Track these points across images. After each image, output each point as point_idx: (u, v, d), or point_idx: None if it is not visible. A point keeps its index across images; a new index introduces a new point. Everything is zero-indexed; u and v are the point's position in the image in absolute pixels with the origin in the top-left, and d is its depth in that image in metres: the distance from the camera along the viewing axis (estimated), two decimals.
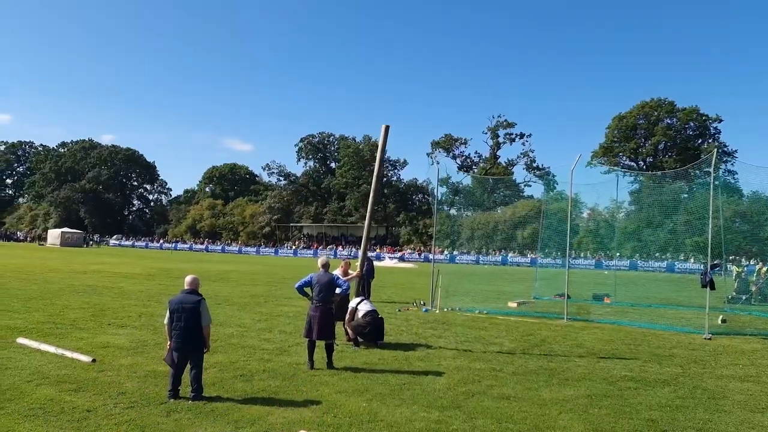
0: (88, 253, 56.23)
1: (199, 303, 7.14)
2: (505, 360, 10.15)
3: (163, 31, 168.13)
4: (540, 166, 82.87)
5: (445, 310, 16.77)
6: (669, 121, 73.16)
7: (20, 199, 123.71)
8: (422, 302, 18.03)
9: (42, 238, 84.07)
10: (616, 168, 73.29)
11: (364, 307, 11.18)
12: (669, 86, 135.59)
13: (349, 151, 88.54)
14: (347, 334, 11.40)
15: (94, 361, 8.76)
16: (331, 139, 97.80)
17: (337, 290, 9.55)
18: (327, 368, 8.92)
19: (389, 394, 7.63)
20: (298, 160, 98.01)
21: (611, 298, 21.44)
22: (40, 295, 17.16)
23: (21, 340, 10.10)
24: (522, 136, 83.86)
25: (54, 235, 76.87)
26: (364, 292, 18.97)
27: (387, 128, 11.55)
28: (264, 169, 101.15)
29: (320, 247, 76.56)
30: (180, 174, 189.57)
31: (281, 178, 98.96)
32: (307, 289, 9.49)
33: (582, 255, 55.03)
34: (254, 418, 6.45)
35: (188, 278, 7.48)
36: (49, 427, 5.94)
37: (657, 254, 51.34)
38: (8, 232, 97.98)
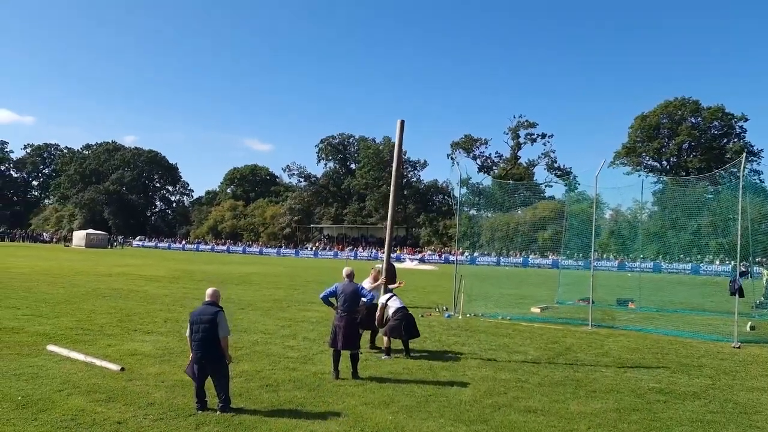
0: (112, 254, 57.06)
1: (216, 314, 7.14)
2: (530, 370, 10.07)
3: (182, 32, 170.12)
4: (561, 167, 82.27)
5: (468, 315, 16.70)
6: (693, 121, 72.04)
7: (46, 201, 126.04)
8: (444, 307, 17.97)
9: (67, 240, 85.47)
10: (638, 168, 72.52)
11: (393, 304, 11.04)
12: (693, 85, 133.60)
13: (369, 152, 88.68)
14: (371, 342, 11.42)
15: (122, 369, 8.87)
16: (351, 140, 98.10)
17: (362, 300, 9.55)
18: (352, 378, 8.94)
19: (415, 406, 7.61)
20: (318, 161, 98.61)
21: (636, 303, 21.17)
22: (67, 300, 17.44)
23: (51, 348, 10.26)
24: (543, 136, 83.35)
25: (79, 236, 78.15)
26: None
27: (402, 123, 11.53)
28: (284, 171, 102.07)
29: (340, 248, 76.76)
30: (201, 175, 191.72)
31: (301, 180, 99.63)
32: (332, 299, 9.50)
33: (605, 257, 54.46)
34: (281, 430, 6.49)
35: (209, 291, 7.53)
36: None
37: (681, 256, 50.58)
38: (34, 234, 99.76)
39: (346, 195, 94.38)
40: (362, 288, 9.66)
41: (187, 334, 7.26)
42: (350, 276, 9.63)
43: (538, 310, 18.73)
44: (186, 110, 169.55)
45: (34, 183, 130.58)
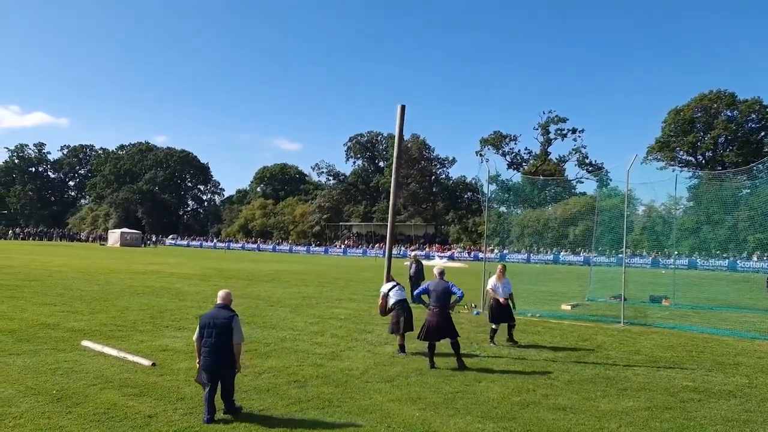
0: (146, 253, 58.17)
1: (231, 319, 6.80)
2: (560, 367, 9.94)
3: (210, 33, 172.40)
4: (593, 162, 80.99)
5: None
6: (729, 114, 70.13)
7: (82, 201, 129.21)
8: (473, 305, 17.85)
9: (103, 239, 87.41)
10: (672, 163, 70.97)
11: (394, 296, 10.94)
12: (729, 78, 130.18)
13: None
14: (509, 335, 12.07)
15: (153, 364, 9.04)
16: (379, 138, 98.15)
17: (455, 296, 9.90)
18: (459, 369, 9.36)
19: (442, 403, 7.57)
20: (347, 159, 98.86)
21: (670, 300, 20.72)
22: (102, 297, 17.83)
23: (85, 343, 10.51)
24: (574, 131, 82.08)
25: (114, 235, 79.87)
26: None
27: (403, 108, 11.58)
28: (313, 169, 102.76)
29: (369, 246, 76.93)
30: (231, 174, 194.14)
31: (330, 178, 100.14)
32: (424, 297, 10.15)
33: (638, 253, 53.45)
34: (309, 426, 6.53)
35: (221, 293, 7.18)
36: None
37: (717, 252, 49.36)
38: (71, 233, 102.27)
39: (374, 193, 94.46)
40: (453, 285, 10.01)
41: (196, 337, 6.90)
42: (441, 274, 10.19)
43: (569, 308, 18.48)
44: (215, 111, 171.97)
45: (71, 183, 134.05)
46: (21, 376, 8.23)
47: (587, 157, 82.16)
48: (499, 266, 12.78)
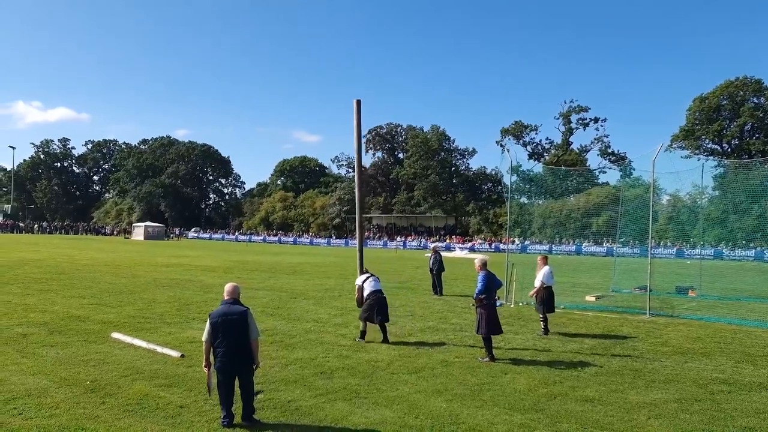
0: (169, 246, 58.91)
1: (245, 314, 6.34)
2: (586, 359, 9.88)
3: (228, 24, 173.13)
4: (615, 152, 79.96)
5: (520, 304, 16.50)
6: (756, 101, 68.67)
7: (106, 195, 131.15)
8: (496, 296, 17.77)
9: (127, 232, 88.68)
10: (697, 152, 69.82)
11: (369, 286, 11.22)
12: (755, 64, 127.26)
13: (417, 141, 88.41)
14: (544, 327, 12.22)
15: (182, 356, 9.18)
16: (398, 129, 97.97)
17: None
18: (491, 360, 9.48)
19: (469, 394, 7.59)
20: (366, 151, 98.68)
21: (696, 291, 20.45)
22: (129, 289, 18.13)
23: (115, 335, 10.71)
24: (596, 120, 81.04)
25: (138, 229, 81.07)
26: (436, 286, 19.00)
27: (359, 102, 11.82)
28: (333, 161, 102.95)
29: (390, 238, 76.99)
30: (252, 167, 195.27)
31: (350, 170, 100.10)
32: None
33: (662, 243, 52.75)
34: (337, 417, 6.59)
35: (228, 287, 6.64)
36: (147, 422, 6.27)
37: (744, 242, 48.50)
38: (96, 226, 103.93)
39: (394, 185, 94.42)
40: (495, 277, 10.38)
41: (206, 338, 6.33)
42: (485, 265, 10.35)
43: (593, 299, 18.34)
44: (235, 104, 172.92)
45: (95, 178, 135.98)
46: (55, 367, 8.42)
47: (609, 147, 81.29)
48: (541, 256, 13.54)
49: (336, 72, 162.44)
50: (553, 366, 9.29)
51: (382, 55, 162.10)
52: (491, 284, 10.11)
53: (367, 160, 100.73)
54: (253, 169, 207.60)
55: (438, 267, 19.34)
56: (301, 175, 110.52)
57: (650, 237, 16.71)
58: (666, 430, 6.43)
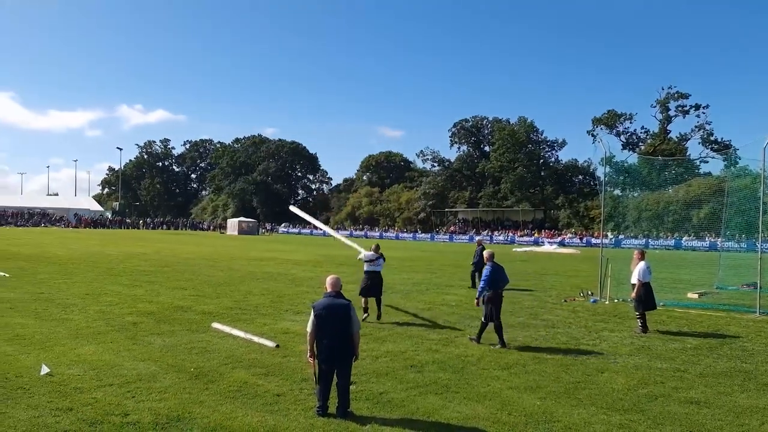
0: (261, 240, 61.20)
1: (348, 308, 6.46)
2: (689, 359, 9.36)
3: (310, 28, 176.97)
4: (719, 140, 74.83)
5: (616, 300, 15.84)
6: None
7: (203, 192, 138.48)
8: (589, 292, 17.19)
9: (222, 227, 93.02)
10: None
11: (366, 266, 12.68)
12: None
13: (503, 134, 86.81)
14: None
15: (277, 346, 9.51)
16: (484, 122, 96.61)
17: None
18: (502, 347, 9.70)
19: (563, 392, 7.38)
20: (452, 144, 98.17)
21: None
22: (226, 282, 19.00)
23: (215, 325, 11.25)
24: (697, 107, 76.16)
25: (232, 224, 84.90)
26: (475, 279, 18.58)
27: None
28: (418, 156, 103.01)
29: (476, 232, 76.18)
30: (338, 163, 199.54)
31: (435, 164, 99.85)
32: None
33: None
34: (429, 410, 6.59)
35: (330, 279, 6.73)
36: (247, 408, 6.54)
37: None
38: (195, 222, 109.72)
39: (480, 178, 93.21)
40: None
41: (309, 329, 6.49)
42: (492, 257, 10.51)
43: (696, 296, 17.33)
44: (320, 101, 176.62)
45: (193, 176, 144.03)
46: (162, 354, 8.96)
47: (712, 134, 76.14)
48: (638, 251, 13.15)
49: (420, 66, 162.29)
50: (654, 365, 8.86)
51: (468, 48, 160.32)
52: (496, 278, 10.14)
53: (452, 153, 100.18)
54: (340, 165, 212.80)
55: (479, 260, 18.86)
56: (387, 170, 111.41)
57: (760, 230, 15.56)
58: None
